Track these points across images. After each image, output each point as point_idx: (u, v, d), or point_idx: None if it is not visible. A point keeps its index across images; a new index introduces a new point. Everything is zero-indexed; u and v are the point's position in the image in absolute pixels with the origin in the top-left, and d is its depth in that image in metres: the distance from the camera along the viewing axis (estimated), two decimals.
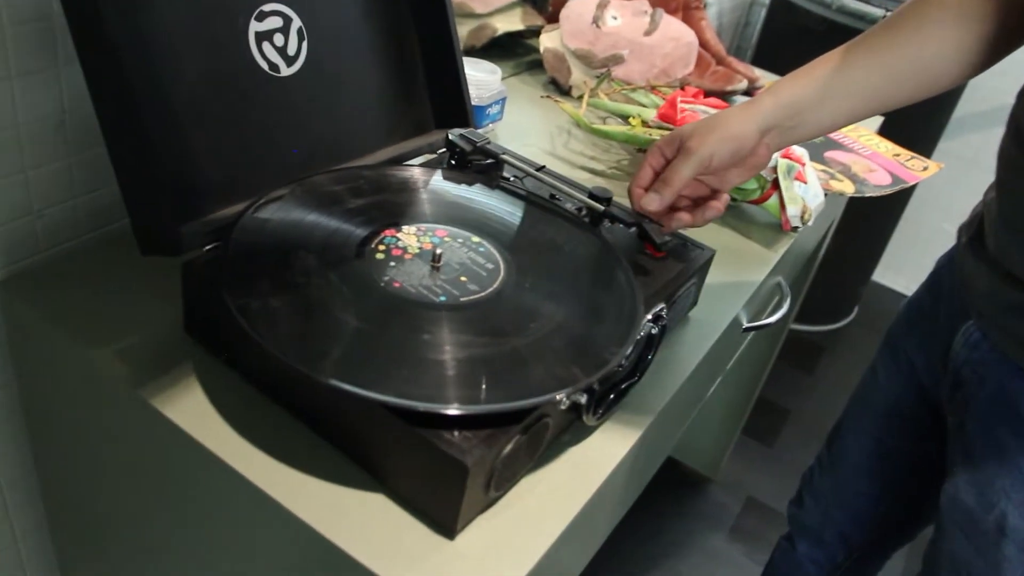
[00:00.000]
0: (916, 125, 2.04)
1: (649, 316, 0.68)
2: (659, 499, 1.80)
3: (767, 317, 1.02)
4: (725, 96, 1.30)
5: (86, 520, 0.80)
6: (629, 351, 0.61)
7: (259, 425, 0.60)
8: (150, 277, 0.71)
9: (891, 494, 1.06)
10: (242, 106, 0.69)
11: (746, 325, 0.94)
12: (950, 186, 2.56)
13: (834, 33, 1.98)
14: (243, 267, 0.59)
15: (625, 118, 1.08)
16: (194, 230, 0.63)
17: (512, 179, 0.82)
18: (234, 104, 0.68)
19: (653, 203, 0.73)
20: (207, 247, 0.63)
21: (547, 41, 1.25)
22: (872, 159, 1.23)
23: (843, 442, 1.10)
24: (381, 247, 0.64)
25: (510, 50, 1.36)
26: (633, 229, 0.75)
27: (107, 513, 0.75)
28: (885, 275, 2.77)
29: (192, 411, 0.60)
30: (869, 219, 2.28)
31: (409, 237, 0.66)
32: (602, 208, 0.75)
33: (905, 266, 2.74)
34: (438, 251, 0.64)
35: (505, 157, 0.80)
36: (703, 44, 1.32)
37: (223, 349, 0.63)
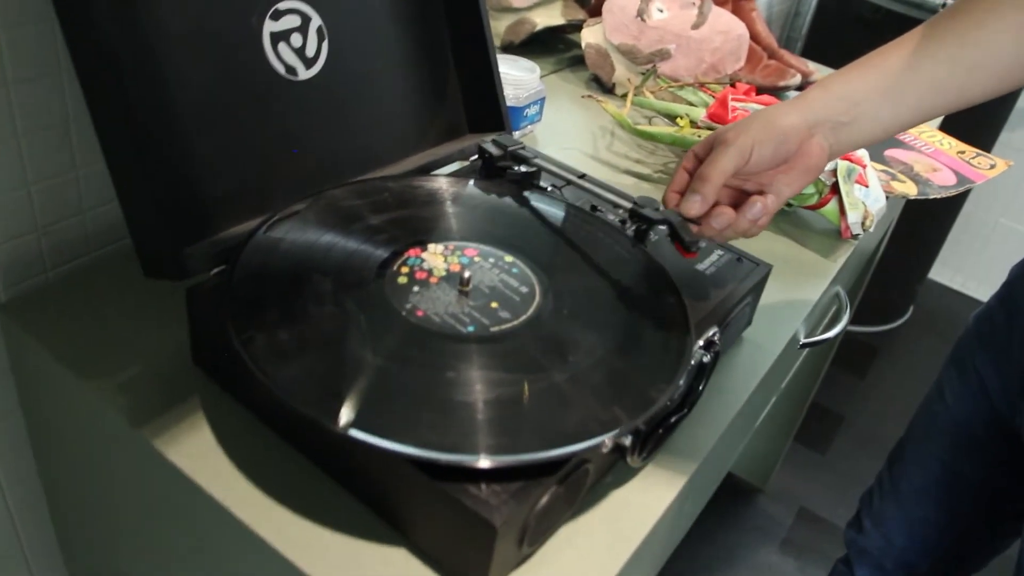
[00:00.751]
0: (975, 117, 1.94)
1: (700, 342, 0.61)
2: (706, 510, 1.72)
3: (825, 330, 0.94)
4: (778, 92, 1.22)
5: (96, 554, 0.75)
6: (680, 385, 0.55)
7: (270, 469, 0.54)
8: (162, 299, 0.66)
9: (959, 522, 0.98)
10: (256, 113, 0.64)
11: (803, 341, 0.87)
12: (1011, 180, 2.45)
13: (890, 23, 1.89)
14: (250, 294, 0.54)
15: (672, 118, 1.01)
16: (200, 251, 0.58)
17: (550, 188, 0.75)
18: (247, 111, 0.63)
19: (694, 206, 0.63)
20: (215, 270, 0.58)
21: (589, 36, 1.18)
22: (935, 157, 1.15)
23: (906, 465, 1.02)
24: (404, 270, 0.58)
25: (550, 46, 1.29)
26: (663, 228, 0.67)
27: (114, 548, 0.70)
28: (942, 272, 2.66)
29: (197, 453, 0.55)
30: (925, 215, 2.17)
31: (435, 257, 0.60)
32: (641, 212, 0.68)
33: (964, 264, 2.63)
34: (466, 274, 0.58)
35: (538, 162, 0.74)
36: (754, 37, 1.25)
37: (232, 384, 0.58)
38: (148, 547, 0.65)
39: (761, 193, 0.66)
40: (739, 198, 0.66)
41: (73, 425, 0.64)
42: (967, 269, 2.64)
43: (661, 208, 0.67)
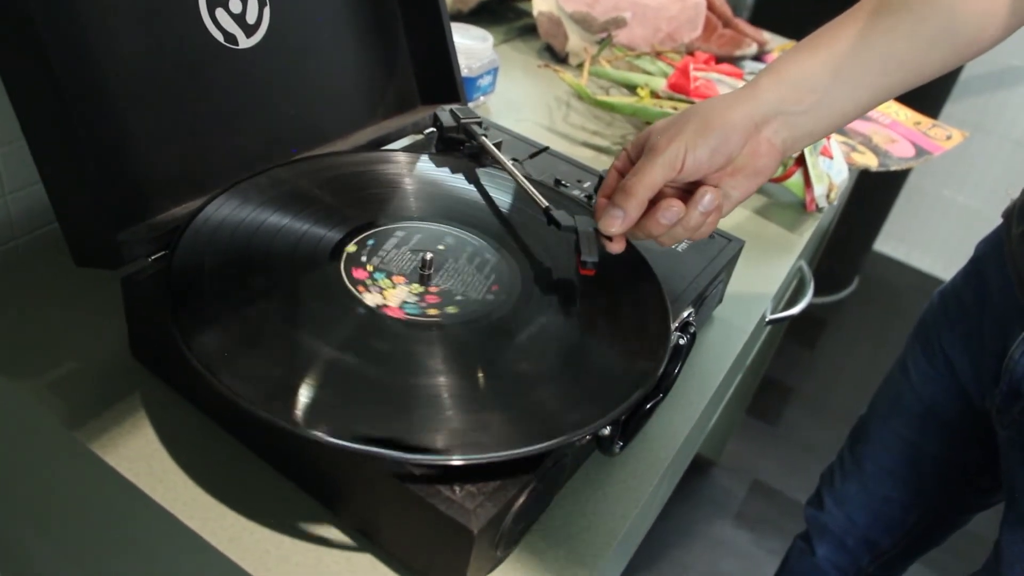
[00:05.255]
0: (920, 89, 1.94)
1: (676, 324, 0.58)
2: None
3: (790, 305, 0.92)
4: (734, 62, 1.19)
5: (29, 564, 0.70)
6: (660, 372, 0.52)
7: (220, 471, 0.50)
8: (96, 289, 0.61)
9: (923, 501, 0.97)
10: (194, 85, 0.59)
11: (770, 317, 0.85)
12: (954, 150, 2.46)
13: None
14: (192, 282, 0.49)
15: (631, 88, 0.97)
16: (136, 237, 0.53)
17: (511, 162, 0.71)
18: (184, 83, 0.58)
19: (614, 222, 0.54)
20: (152, 257, 0.53)
21: (541, 4, 1.14)
22: (893, 128, 1.14)
23: (869, 444, 1.00)
24: (360, 253, 0.54)
25: (500, 15, 1.25)
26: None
27: (49, 558, 0.65)
28: (886, 243, 2.68)
29: (139, 455, 0.50)
30: (871, 186, 2.18)
31: (392, 239, 0.56)
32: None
33: (906, 234, 2.65)
34: (427, 256, 0.54)
35: (483, 140, 0.69)
36: (708, 5, 1.22)
37: (175, 379, 0.53)
38: (87, 558, 0.60)
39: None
40: (684, 196, 0.57)
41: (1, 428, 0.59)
42: (911, 240, 2.66)
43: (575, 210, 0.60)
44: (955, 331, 0.87)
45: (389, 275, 0.53)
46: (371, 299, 0.50)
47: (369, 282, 0.52)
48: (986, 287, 0.82)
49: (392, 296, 0.51)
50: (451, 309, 0.51)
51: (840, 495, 1.05)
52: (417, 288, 0.52)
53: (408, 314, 0.50)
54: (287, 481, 0.50)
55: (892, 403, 0.97)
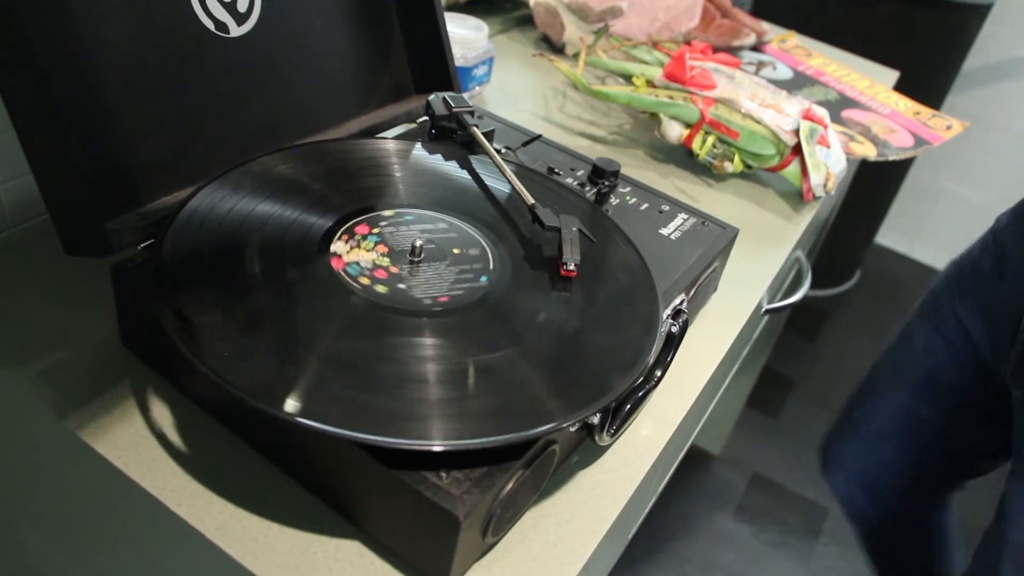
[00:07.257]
0: (921, 81, 1.93)
1: (668, 311, 0.58)
2: None
3: (787, 295, 0.92)
4: (733, 52, 1.19)
5: (16, 554, 0.70)
6: (651, 360, 0.52)
7: (209, 459, 0.50)
8: (86, 278, 0.61)
9: (918, 465, 0.98)
10: (184, 73, 0.59)
11: (767, 307, 0.85)
12: (956, 142, 2.46)
13: None
14: (181, 270, 0.49)
15: (627, 78, 0.97)
16: (126, 225, 0.53)
17: (504, 150, 0.71)
18: (174, 71, 0.58)
19: None
20: (142, 245, 0.53)
21: None
22: (892, 119, 1.13)
23: (866, 408, 1.01)
24: (350, 239, 0.54)
25: (497, 5, 1.24)
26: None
27: (43, 549, 0.65)
28: (888, 236, 2.68)
29: (129, 444, 0.50)
30: (871, 178, 2.17)
31: (383, 226, 0.56)
32: (607, 184, 0.65)
33: (908, 227, 2.64)
34: (418, 242, 0.54)
35: (475, 132, 0.69)
36: None
37: (165, 368, 0.53)
38: (78, 546, 0.60)
39: None
40: None
41: None
42: (913, 232, 2.65)
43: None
44: (970, 298, 0.89)
45: (379, 262, 0.52)
46: (360, 286, 0.50)
47: (358, 269, 0.51)
48: (1006, 253, 0.84)
49: (381, 283, 0.51)
50: (441, 295, 0.51)
51: (837, 459, 1.06)
52: (407, 275, 0.52)
53: (397, 301, 0.50)
54: (275, 469, 0.50)
55: (892, 368, 0.99)
